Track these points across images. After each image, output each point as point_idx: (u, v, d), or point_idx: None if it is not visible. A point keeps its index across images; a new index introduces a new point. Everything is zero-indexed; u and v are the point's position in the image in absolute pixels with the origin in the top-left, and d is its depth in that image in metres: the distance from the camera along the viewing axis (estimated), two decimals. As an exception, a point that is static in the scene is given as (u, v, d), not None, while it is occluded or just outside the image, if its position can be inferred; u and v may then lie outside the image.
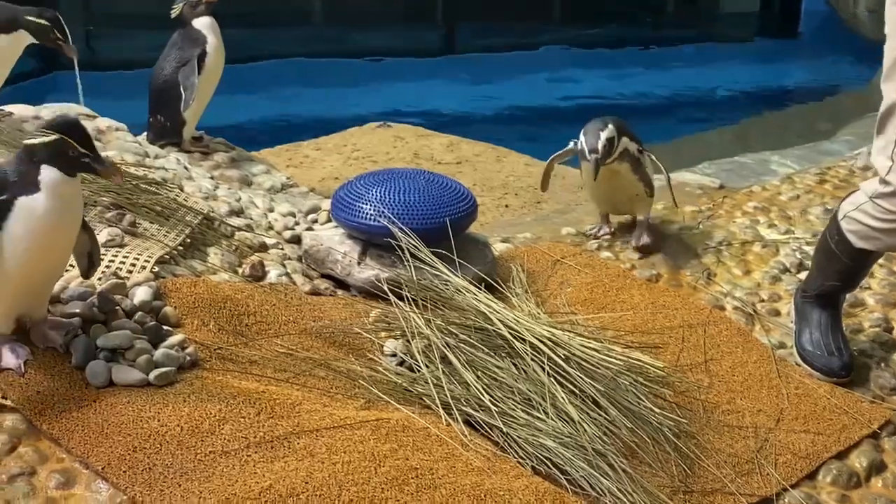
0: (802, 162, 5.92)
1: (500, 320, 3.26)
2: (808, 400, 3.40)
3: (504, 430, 2.91)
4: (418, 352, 3.17)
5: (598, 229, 4.33)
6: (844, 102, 10.21)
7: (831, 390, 3.45)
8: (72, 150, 2.59)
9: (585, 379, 3.08)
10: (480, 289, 3.46)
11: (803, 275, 4.06)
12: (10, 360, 2.68)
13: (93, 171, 2.69)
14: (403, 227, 3.57)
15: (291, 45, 10.75)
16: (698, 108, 10.76)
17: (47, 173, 2.59)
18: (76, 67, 4.17)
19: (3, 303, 2.69)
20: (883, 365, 3.60)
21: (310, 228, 4.09)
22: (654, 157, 4.19)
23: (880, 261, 3.83)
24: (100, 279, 3.08)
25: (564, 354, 3.14)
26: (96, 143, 4.04)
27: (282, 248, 3.89)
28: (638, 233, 4.23)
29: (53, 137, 2.58)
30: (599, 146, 3.85)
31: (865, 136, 5.75)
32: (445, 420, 2.91)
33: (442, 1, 12.26)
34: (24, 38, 4.01)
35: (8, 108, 4.21)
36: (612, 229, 4.33)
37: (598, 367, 3.14)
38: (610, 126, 3.90)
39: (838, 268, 3.49)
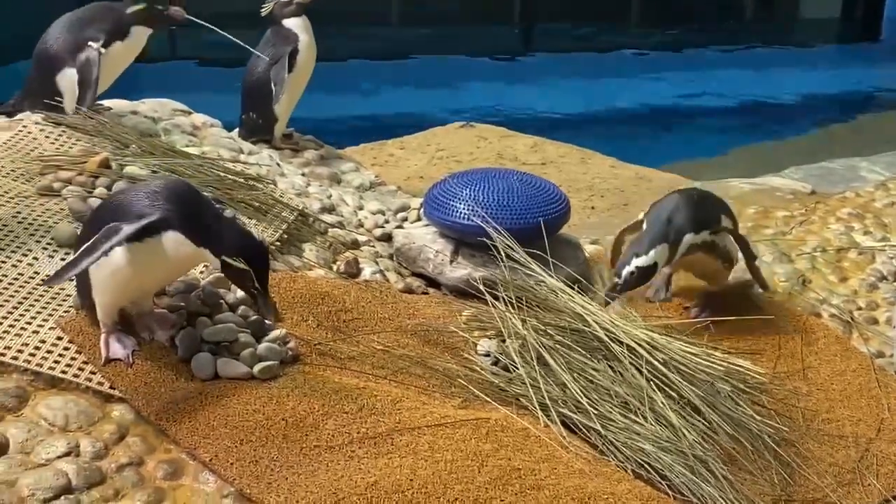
0: (893, 168, 5.82)
1: (596, 322, 3.23)
2: (909, 410, 3.35)
3: (602, 432, 2.89)
4: (514, 352, 3.16)
5: (654, 292, 3.85)
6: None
7: (932, 401, 3.39)
8: (249, 281, 2.68)
9: (684, 383, 3.05)
10: (575, 290, 3.43)
11: (902, 283, 4.01)
12: (117, 350, 2.71)
13: (253, 299, 2.77)
14: (497, 227, 3.57)
15: (372, 46, 10.81)
16: (778, 113, 10.64)
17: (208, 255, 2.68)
18: (192, 19, 4.18)
19: (112, 299, 2.73)
20: None
21: (399, 227, 4.10)
22: (732, 239, 3.67)
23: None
24: (202, 272, 3.11)
25: (663, 358, 3.11)
26: (191, 139, 4.13)
27: (373, 246, 3.90)
28: (698, 307, 3.73)
29: (241, 266, 2.66)
30: (624, 273, 3.41)
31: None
32: (543, 421, 2.90)
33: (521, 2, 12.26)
34: (139, 35, 4.07)
35: (106, 102, 4.26)
36: (670, 295, 3.85)
37: (696, 372, 3.11)
38: (654, 251, 3.42)
39: None
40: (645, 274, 3.43)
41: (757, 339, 3.59)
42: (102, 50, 3.94)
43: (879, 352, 3.64)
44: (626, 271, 3.40)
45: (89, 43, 3.95)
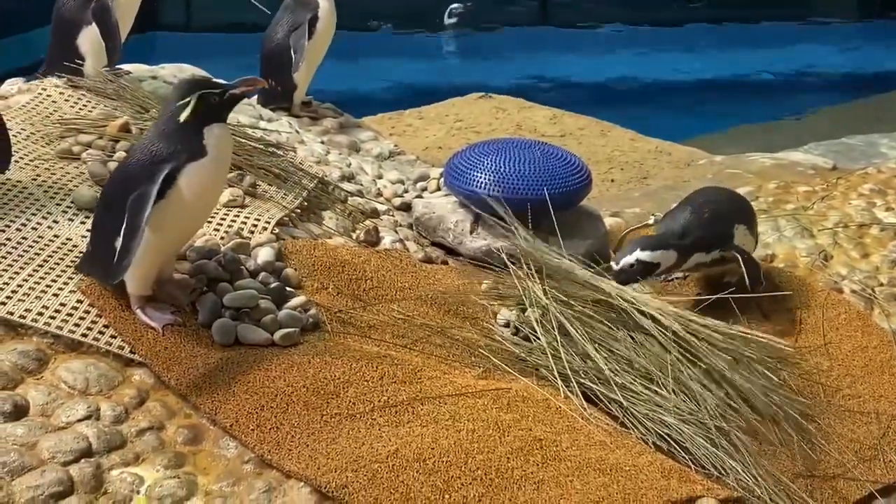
0: (915, 145, 5.78)
1: (618, 293, 3.21)
2: (931, 387, 3.32)
3: (624, 404, 2.87)
4: (536, 322, 3.14)
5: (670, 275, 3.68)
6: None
7: (954, 378, 3.36)
8: (213, 97, 2.66)
9: (706, 356, 3.02)
10: (598, 266, 3.39)
11: (924, 260, 3.98)
12: (161, 317, 2.72)
13: (237, 99, 2.75)
14: (518, 197, 3.56)
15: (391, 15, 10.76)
16: (799, 89, 10.58)
17: (211, 133, 2.66)
18: None
19: (150, 268, 2.72)
20: None
21: (419, 196, 4.08)
22: (743, 256, 3.50)
23: None
24: (222, 238, 3.10)
25: (685, 330, 3.08)
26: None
27: (392, 215, 3.88)
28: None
29: (195, 98, 2.64)
30: (623, 262, 3.33)
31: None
32: (563, 392, 2.88)
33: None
34: None
35: (125, 66, 4.24)
36: (686, 274, 3.72)
37: (718, 345, 3.08)
38: (662, 252, 3.36)
39: None
40: (646, 269, 3.35)
41: (778, 314, 3.56)
42: None
43: (901, 328, 3.61)
44: (625, 261, 3.33)
45: None
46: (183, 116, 2.64)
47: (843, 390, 3.24)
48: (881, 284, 3.85)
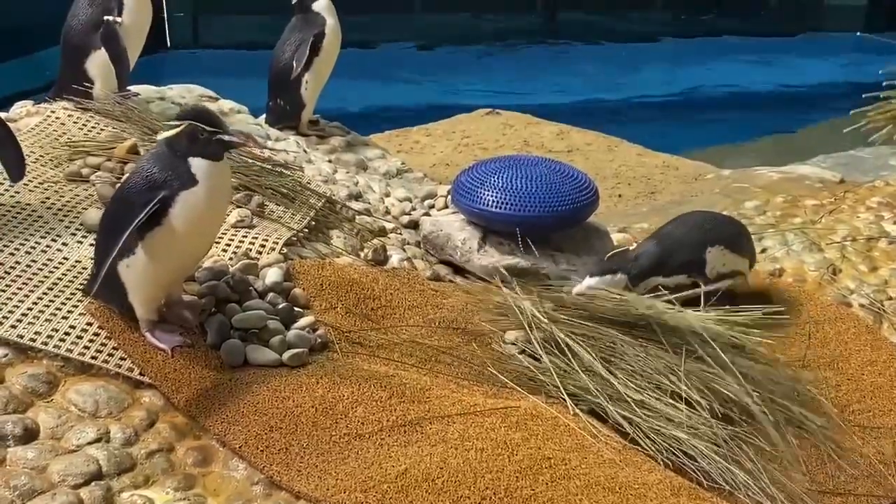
0: (921, 158, 5.77)
1: (625, 306, 3.21)
2: (941, 402, 3.31)
3: (633, 421, 2.87)
4: (536, 342, 3.14)
5: None
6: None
7: (964, 393, 3.35)
8: (200, 132, 2.62)
9: (716, 371, 3.02)
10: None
11: (933, 273, 3.97)
12: (169, 339, 2.72)
13: (231, 147, 2.71)
14: (525, 215, 3.56)
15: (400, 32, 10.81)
16: (804, 102, 10.57)
17: (199, 164, 2.63)
18: None
19: (155, 292, 2.73)
20: None
21: (426, 214, 4.08)
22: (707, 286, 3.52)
23: None
24: (231, 259, 3.11)
25: (697, 344, 3.08)
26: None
27: (400, 233, 3.89)
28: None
29: (182, 125, 2.62)
30: (583, 287, 3.36)
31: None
32: (572, 410, 2.88)
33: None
34: None
35: (134, 88, 4.26)
36: None
37: (732, 360, 3.07)
38: (609, 277, 3.38)
39: None
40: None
41: (786, 328, 3.55)
42: (119, 19, 3.93)
43: (910, 342, 3.60)
44: (584, 285, 3.35)
45: (105, 17, 3.93)
46: (163, 135, 2.65)
47: (852, 405, 3.24)
48: (890, 298, 3.85)
